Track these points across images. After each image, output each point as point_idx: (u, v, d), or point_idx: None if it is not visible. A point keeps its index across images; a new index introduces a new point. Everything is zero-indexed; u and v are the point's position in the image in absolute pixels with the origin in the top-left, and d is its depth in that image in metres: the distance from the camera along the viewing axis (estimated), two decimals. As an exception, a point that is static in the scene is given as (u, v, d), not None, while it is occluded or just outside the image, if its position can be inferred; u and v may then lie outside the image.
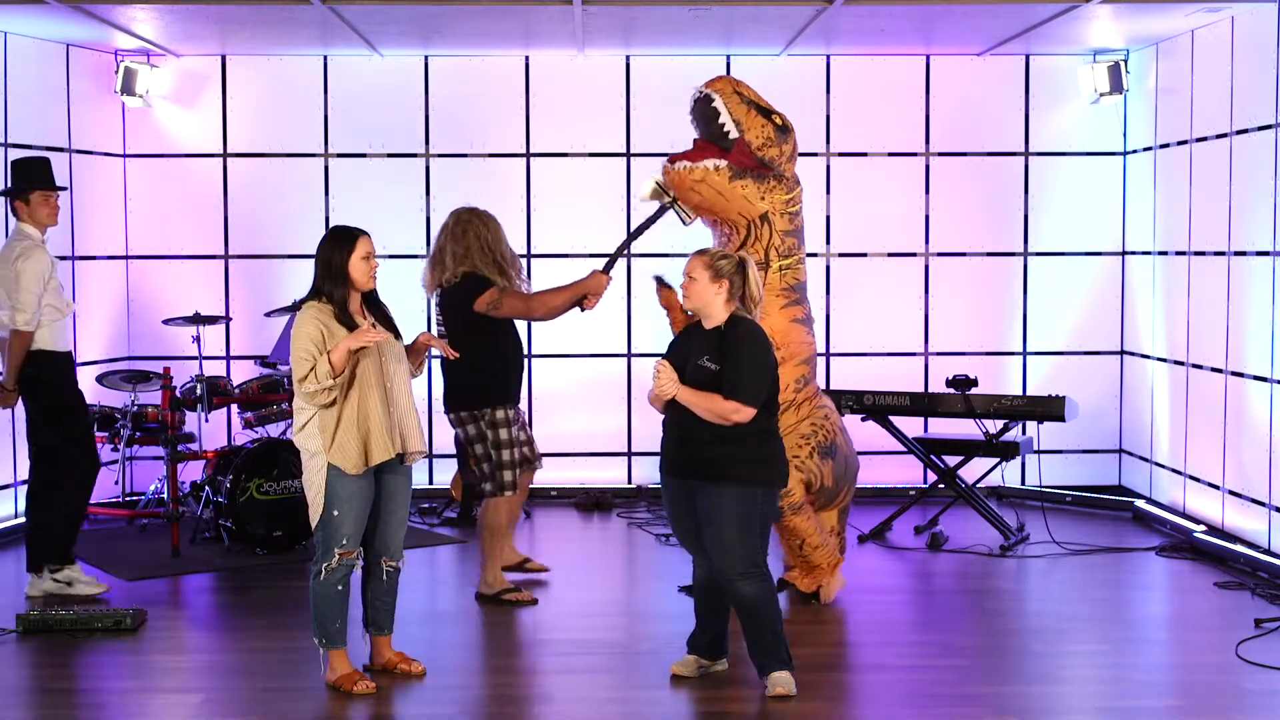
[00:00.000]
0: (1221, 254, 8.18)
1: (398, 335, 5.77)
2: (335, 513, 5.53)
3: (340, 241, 5.62)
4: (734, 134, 6.67)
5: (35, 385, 6.99)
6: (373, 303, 5.73)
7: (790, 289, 6.80)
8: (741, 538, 5.45)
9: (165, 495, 8.42)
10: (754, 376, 5.45)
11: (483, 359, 6.78)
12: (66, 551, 7.11)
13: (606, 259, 6.96)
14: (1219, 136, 8.22)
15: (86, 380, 9.03)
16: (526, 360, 7.08)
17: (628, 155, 9.67)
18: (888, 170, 9.70)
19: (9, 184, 7.16)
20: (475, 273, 6.83)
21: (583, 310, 6.97)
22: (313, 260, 5.68)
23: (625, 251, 7.19)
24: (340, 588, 5.60)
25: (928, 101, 9.68)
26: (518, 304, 6.83)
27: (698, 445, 5.48)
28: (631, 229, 7.50)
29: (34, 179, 7.05)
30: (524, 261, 9.54)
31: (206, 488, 8.22)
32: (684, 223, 6.92)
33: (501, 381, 6.89)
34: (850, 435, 7.16)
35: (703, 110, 6.74)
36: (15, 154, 8.63)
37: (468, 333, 6.75)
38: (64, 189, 7.25)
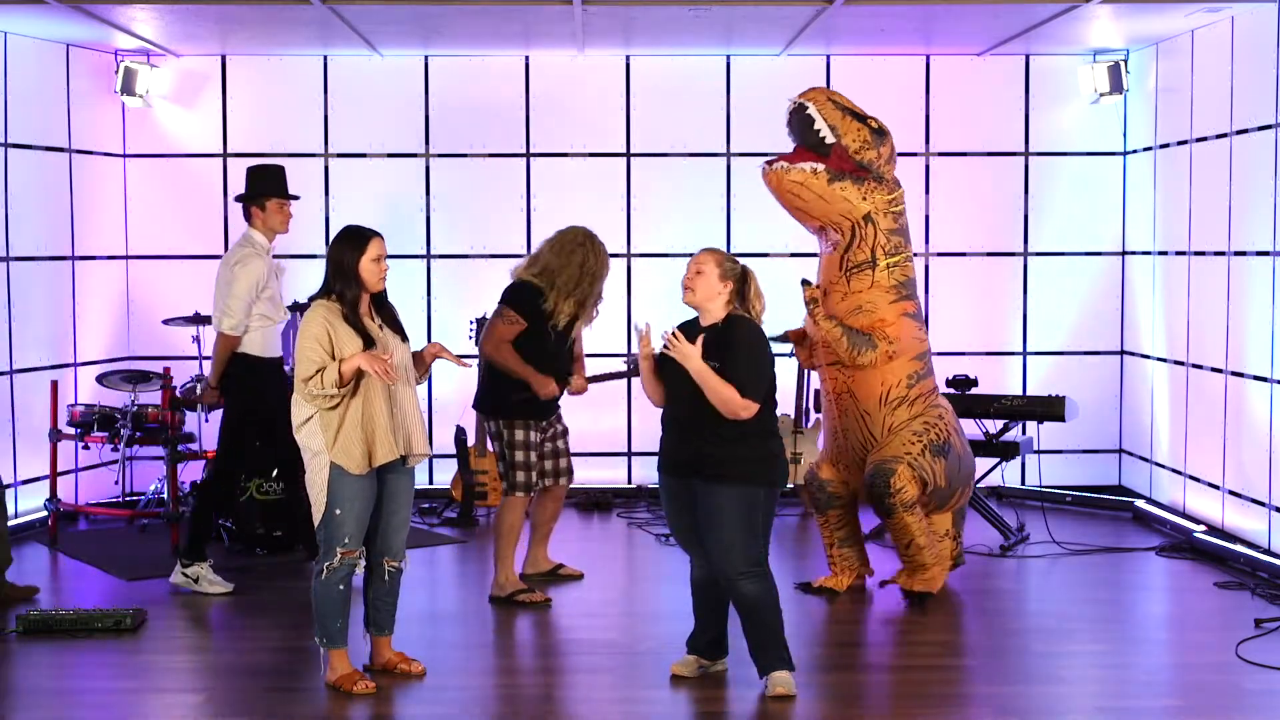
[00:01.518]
0: (1221, 254, 8.18)
1: (404, 337, 5.77)
2: (337, 512, 5.53)
3: (352, 242, 5.61)
4: (830, 139, 6.77)
5: (235, 387, 7.15)
6: (381, 304, 5.73)
7: (899, 285, 6.89)
8: (743, 537, 5.45)
9: (165, 495, 8.42)
10: (755, 372, 5.47)
11: (507, 377, 6.92)
12: (201, 549, 7.20)
13: (574, 374, 7.08)
14: (1219, 136, 8.22)
15: (86, 380, 9.06)
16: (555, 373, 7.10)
17: (628, 155, 9.67)
18: (888, 170, 9.69)
19: (245, 190, 7.26)
20: (530, 283, 6.91)
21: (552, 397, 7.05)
22: (313, 260, 5.69)
23: (598, 379, 7.40)
24: (342, 587, 5.60)
25: (928, 101, 9.68)
26: (493, 332, 6.89)
27: (699, 444, 5.48)
28: (607, 373, 7.98)
29: (269, 186, 7.18)
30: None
31: (206, 488, 8.22)
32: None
33: (528, 401, 6.94)
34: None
35: (799, 119, 6.83)
36: (15, 154, 8.65)
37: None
38: (297, 198, 7.37)
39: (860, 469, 6.94)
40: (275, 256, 7.36)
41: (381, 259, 5.62)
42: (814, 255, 9.67)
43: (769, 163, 6.80)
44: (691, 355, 5.40)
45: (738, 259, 5.65)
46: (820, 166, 6.72)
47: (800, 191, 6.74)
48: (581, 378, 7.16)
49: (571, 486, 9.45)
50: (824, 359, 6.89)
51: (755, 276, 5.63)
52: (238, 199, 7.31)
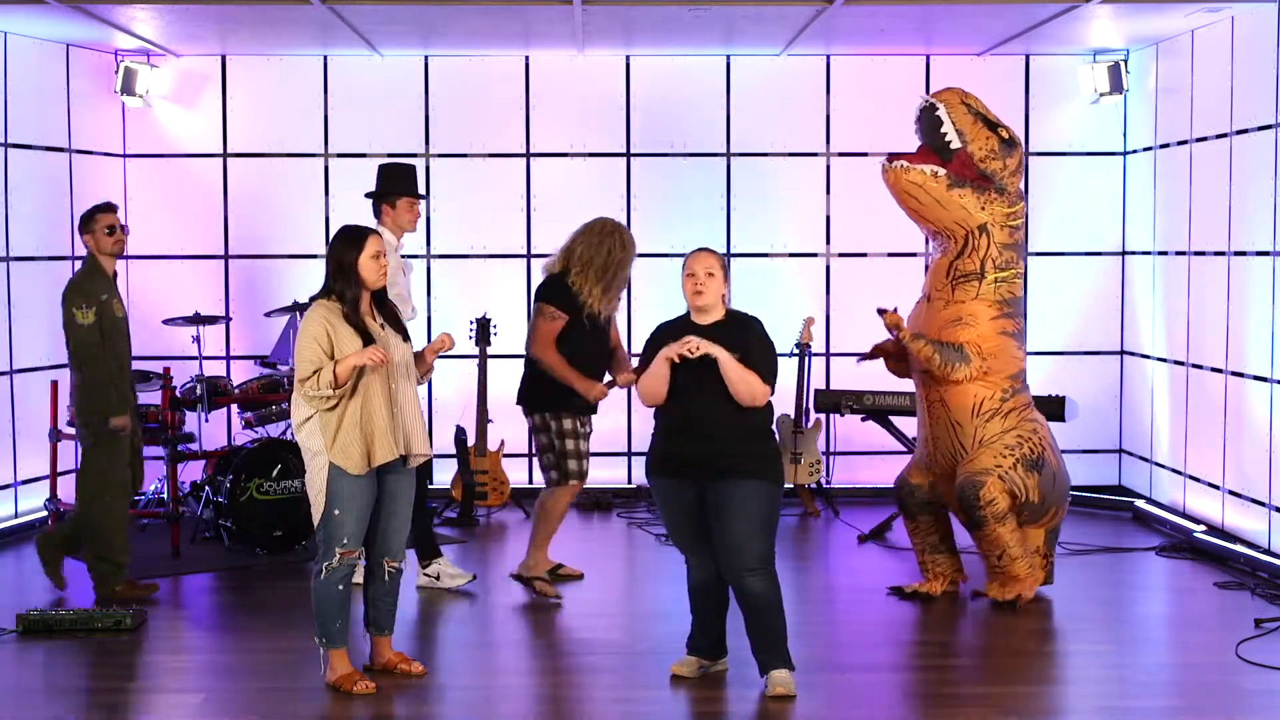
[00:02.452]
0: (1221, 254, 8.18)
1: (406, 337, 5.77)
2: (336, 512, 5.53)
3: (350, 241, 5.62)
4: (956, 144, 6.68)
5: None
6: (381, 303, 5.73)
7: (1005, 302, 6.82)
8: (758, 533, 5.46)
9: (165, 495, 8.42)
10: (772, 363, 5.57)
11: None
12: (434, 546, 7.26)
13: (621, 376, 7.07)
14: (1219, 136, 8.22)
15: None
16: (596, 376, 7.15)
17: (628, 155, 9.67)
18: (888, 170, 9.69)
19: (376, 187, 7.27)
20: (559, 279, 7.01)
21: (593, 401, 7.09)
22: (313, 260, 5.70)
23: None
24: (341, 587, 5.60)
25: (928, 101, 9.66)
26: (538, 333, 6.96)
27: (712, 442, 5.48)
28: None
29: (400, 185, 7.19)
30: (523, 261, 9.64)
31: (206, 488, 8.23)
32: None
33: (574, 395, 6.98)
34: (1058, 450, 7.05)
35: (927, 119, 6.75)
36: (15, 154, 8.65)
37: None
38: (424, 197, 7.39)
39: (950, 477, 6.86)
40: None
41: (381, 256, 5.63)
42: (814, 255, 9.72)
43: (889, 159, 6.72)
44: (719, 350, 5.44)
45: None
46: (941, 170, 6.64)
47: (917, 193, 6.68)
48: (627, 370, 7.09)
49: (571, 486, 9.50)
50: (916, 365, 6.84)
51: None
52: (368, 195, 7.32)
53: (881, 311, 6.76)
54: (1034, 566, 6.87)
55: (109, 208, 7.05)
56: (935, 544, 7.05)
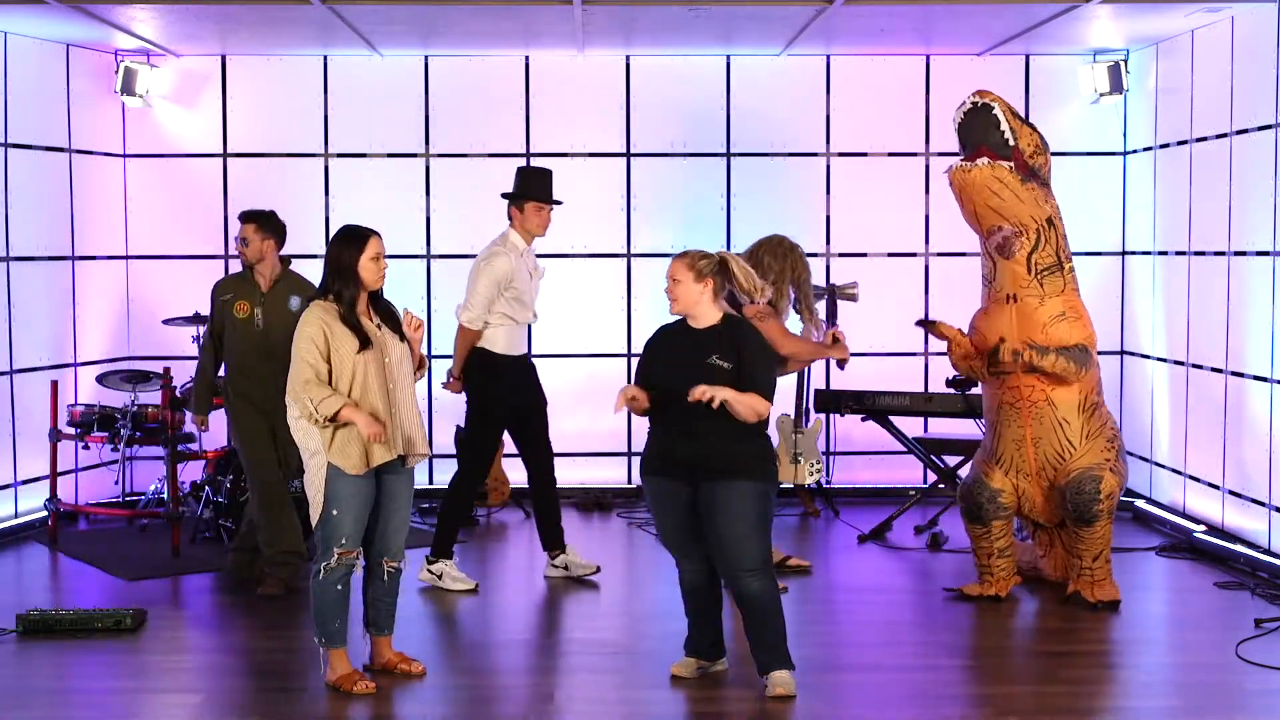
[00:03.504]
0: (1221, 254, 8.18)
1: (403, 336, 5.76)
2: (335, 512, 5.53)
3: (350, 241, 5.62)
4: (1012, 142, 6.69)
5: (475, 384, 7.31)
6: (378, 304, 5.72)
7: (1077, 291, 6.87)
8: (752, 533, 5.46)
9: (165, 495, 8.42)
10: (770, 374, 5.56)
11: None
12: (448, 547, 7.34)
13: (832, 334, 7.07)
14: (1219, 136, 8.22)
15: (86, 380, 9.06)
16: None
17: (628, 155, 9.67)
18: (888, 170, 9.70)
19: (513, 188, 7.40)
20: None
21: (841, 368, 7.22)
22: (313, 260, 5.69)
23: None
24: (340, 587, 5.60)
25: (928, 101, 9.68)
26: (776, 333, 6.92)
27: (709, 443, 5.47)
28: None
29: (530, 189, 7.30)
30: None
31: (206, 488, 8.23)
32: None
33: None
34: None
35: (983, 119, 6.69)
36: (15, 154, 8.65)
37: None
38: (559, 203, 7.46)
39: (1041, 478, 6.83)
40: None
41: (380, 257, 5.62)
42: (814, 255, 9.70)
43: (968, 159, 6.66)
44: (720, 391, 5.37)
45: (709, 252, 5.63)
46: (1011, 165, 6.66)
47: (999, 190, 6.63)
48: (844, 348, 7.07)
49: (571, 486, 9.50)
50: (1020, 367, 6.71)
51: (735, 259, 5.62)
52: (504, 196, 7.43)
53: (928, 324, 6.77)
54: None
55: (239, 218, 7.31)
56: (1004, 548, 6.95)
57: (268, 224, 7.21)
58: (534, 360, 7.62)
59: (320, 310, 5.56)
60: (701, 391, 5.36)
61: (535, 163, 9.62)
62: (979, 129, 6.70)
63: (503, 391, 7.29)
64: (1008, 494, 6.90)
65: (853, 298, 8.37)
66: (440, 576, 7.22)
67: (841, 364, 7.18)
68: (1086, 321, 6.83)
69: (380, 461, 5.56)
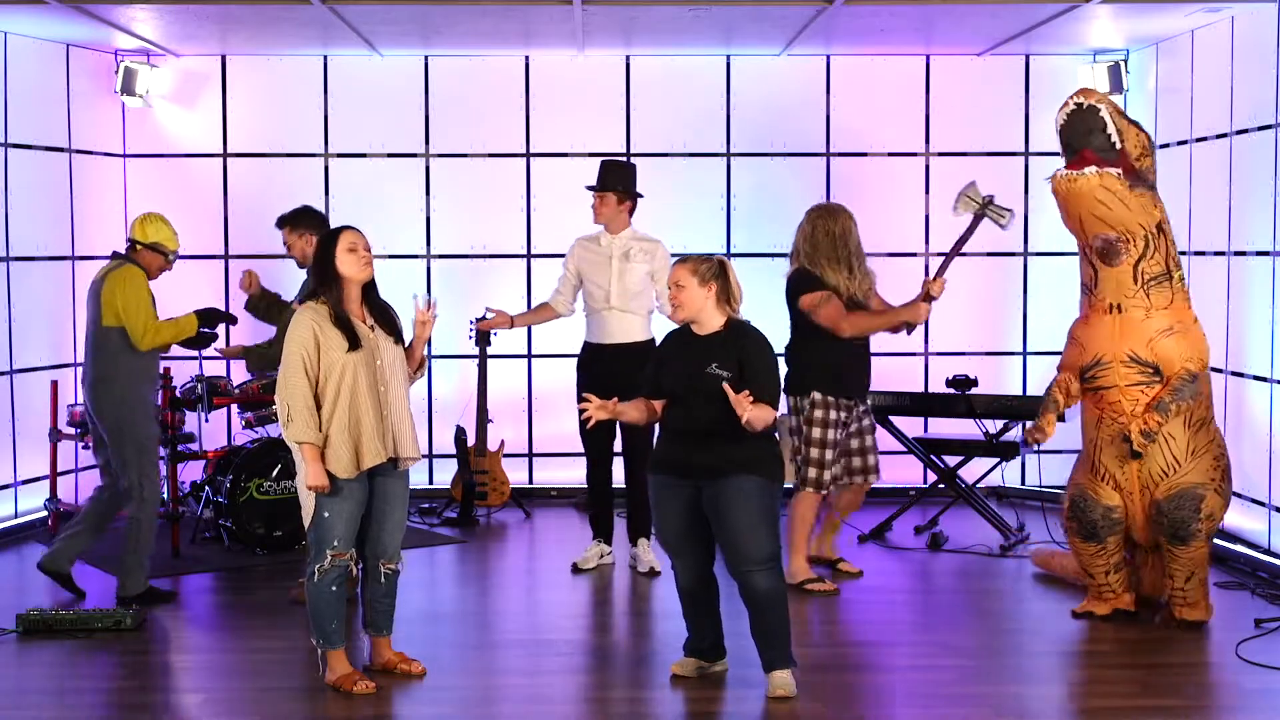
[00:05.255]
0: (1221, 254, 8.18)
1: (399, 338, 5.75)
2: (326, 514, 5.52)
3: (324, 241, 5.64)
4: (1119, 145, 6.32)
5: (579, 372, 7.59)
6: (373, 303, 5.72)
7: (1188, 302, 6.54)
8: (757, 527, 5.46)
9: (165, 495, 8.41)
10: (774, 378, 5.57)
11: (809, 349, 7.13)
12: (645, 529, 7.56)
13: (927, 280, 7.14)
14: (1219, 136, 8.22)
15: (86, 380, 9.04)
16: (861, 359, 7.28)
17: (628, 155, 9.66)
18: (888, 170, 9.70)
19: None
20: (804, 269, 7.13)
21: (908, 334, 7.29)
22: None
23: (947, 264, 7.31)
24: (335, 589, 5.59)
25: (928, 101, 9.68)
26: (834, 315, 7.00)
27: (716, 445, 5.48)
28: (952, 244, 7.44)
29: (601, 179, 7.55)
30: (523, 262, 9.64)
31: (206, 488, 8.23)
32: (1001, 228, 7.26)
33: (830, 374, 7.11)
34: None
35: (1089, 121, 6.30)
36: (15, 154, 8.65)
37: (797, 322, 7.17)
38: (594, 188, 7.60)
39: (1144, 495, 6.49)
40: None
41: (357, 249, 5.59)
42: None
43: (1072, 165, 6.30)
44: (753, 418, 5.34)
45: (708, 255, 5.65)
46: (1118, 171, 6.26)
47: (1108, 199, 6.23)
48: (919, 305, 7.12)
49: (571, 486, 9.50)
50: (1127, 380, 6.43)
51: (730, 264, 5.64)
52: (588, 187, 7.66)
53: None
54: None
55: (275, 225, 7.36)
56: (1118, 563, 6.67)
57: (300, 221, 7.15)
58: (614, 347, 7.50)
59: (311, 312, 5.56)
60: (746, 421, 5.33)
61: (535, 163, 9.65)
62: (1084, 131, 6.32)
63: (604, 379, 7.21)
64: (1120, 509, 6.55)
65: (1001, 225, 7.61)
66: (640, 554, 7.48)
67: (910, 328, 7.12)
68: (1197, 337, 6.43)
69: (371, 464, 5.55)
